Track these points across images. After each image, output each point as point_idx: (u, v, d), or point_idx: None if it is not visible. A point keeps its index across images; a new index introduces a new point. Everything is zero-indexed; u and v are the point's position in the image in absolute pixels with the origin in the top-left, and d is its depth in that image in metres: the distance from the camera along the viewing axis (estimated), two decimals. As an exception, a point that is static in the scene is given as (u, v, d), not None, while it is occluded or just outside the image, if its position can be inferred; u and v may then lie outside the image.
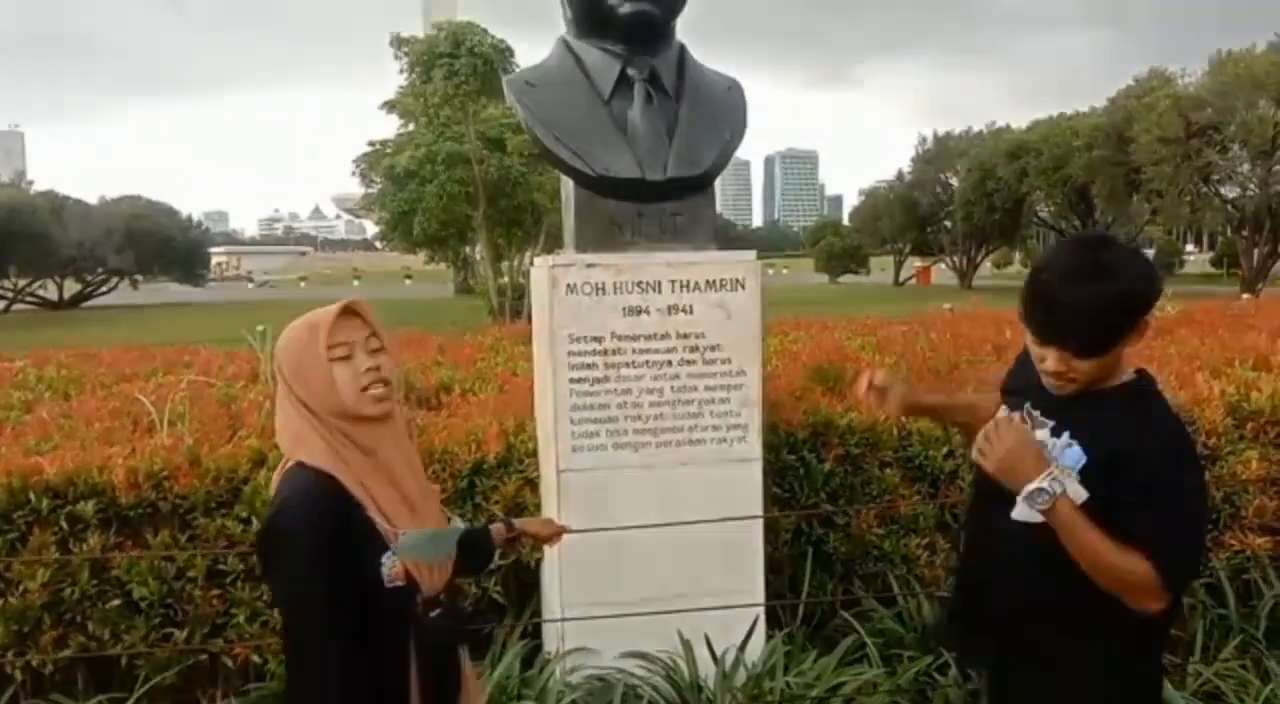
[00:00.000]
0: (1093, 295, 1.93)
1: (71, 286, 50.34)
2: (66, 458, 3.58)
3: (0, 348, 7.95)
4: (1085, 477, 2.02)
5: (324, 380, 1.90)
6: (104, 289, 51.51)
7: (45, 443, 3.92)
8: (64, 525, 3.48)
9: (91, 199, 53.74)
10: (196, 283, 56.11)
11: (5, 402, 5.12)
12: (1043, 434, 2.10)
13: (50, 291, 50.08)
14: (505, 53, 21.69)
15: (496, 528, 2.41)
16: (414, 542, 1.90)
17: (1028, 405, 2.15)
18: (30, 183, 54.95)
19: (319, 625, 1.80)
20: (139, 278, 52.96)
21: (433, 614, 1.96)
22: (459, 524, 2.08)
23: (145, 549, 3.51)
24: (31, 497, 3.46)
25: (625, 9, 3.38)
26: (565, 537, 2.81)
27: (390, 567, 1.87)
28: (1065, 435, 2.07)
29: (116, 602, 3.48)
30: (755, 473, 3.59)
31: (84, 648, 3.47)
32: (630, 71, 3.50)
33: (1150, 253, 48.93)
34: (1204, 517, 2.10)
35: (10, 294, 47.84)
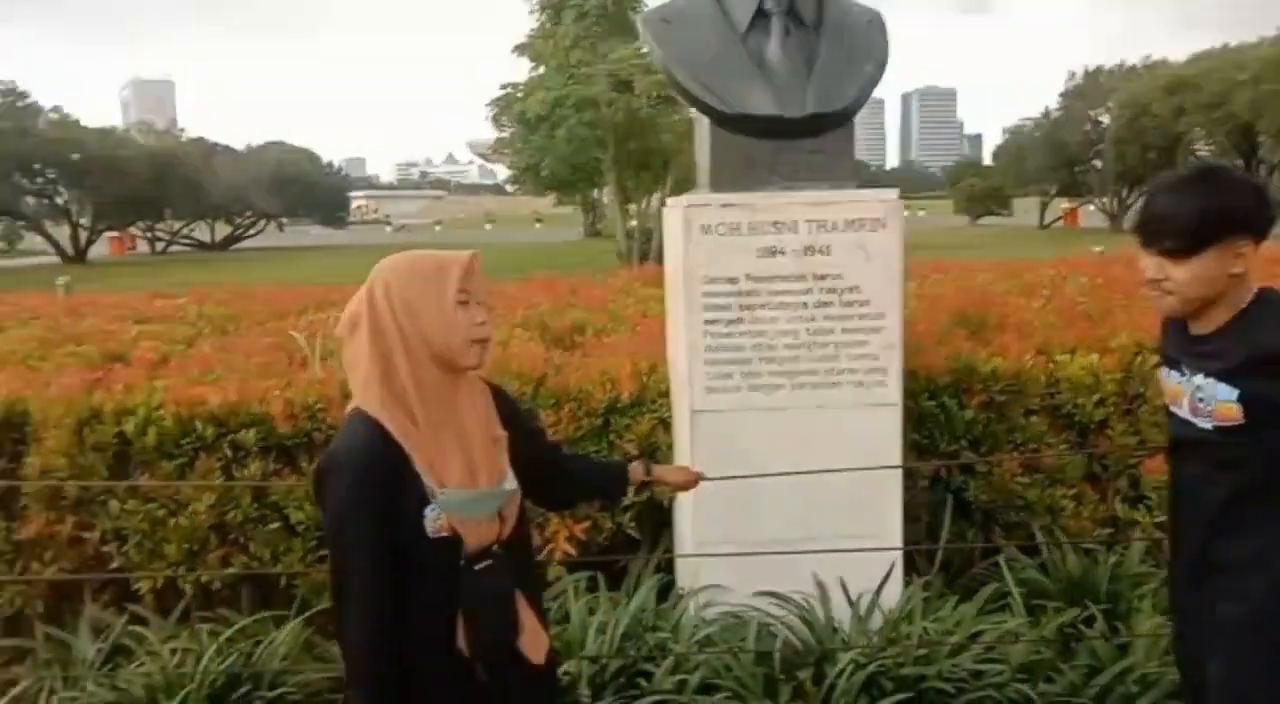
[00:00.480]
0: (1187, 199, 2.07)
1: (222, 229, 53.06)
2: (229, 389, 3.79)
3: (160, 287, 8.44)
4: (1245, 394, 2.05)
5: (443, 319, 1.92)
6: (252, 231, 54.08)
7: (208, 375, 4.16)
8: (227, 452, 3.70)
9: (238, 146, 56.23)
10: (337, 226, 58.35)
11: (169, 336, 5.45)
12: (1198, 379, 2.14)
13: (203, 234, 52.90)
14: (635, -8, 21.51)
15: (634, 467, 2.44)
16: (457, 500, 1.92)
17: None
18: (182, 131, 57.79)
19: (361, 570, 1.84)
20: (284, 221, 55.43)
21: (479, 566, 1.97)
22: (509, 487, 2.05)
23: (301, 476, 3.70)
24: (197, 425, 3.68)
25: (762, -60, 3.28)
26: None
27: (435, 519, 1.89)
28: (1211, 377, 2.12)
29: (276, 525, 3.70)
30: (894, 418, 3.52)
31: (246, 567, 3.70)
32: (767, 5, 3.40)
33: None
34: None
35: (167, 236, 50.74)
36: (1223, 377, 2.09)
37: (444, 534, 1.90)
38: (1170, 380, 2.25)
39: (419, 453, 1.89)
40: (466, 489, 1.94)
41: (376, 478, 1.84)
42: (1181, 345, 2.21)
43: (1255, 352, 2.04)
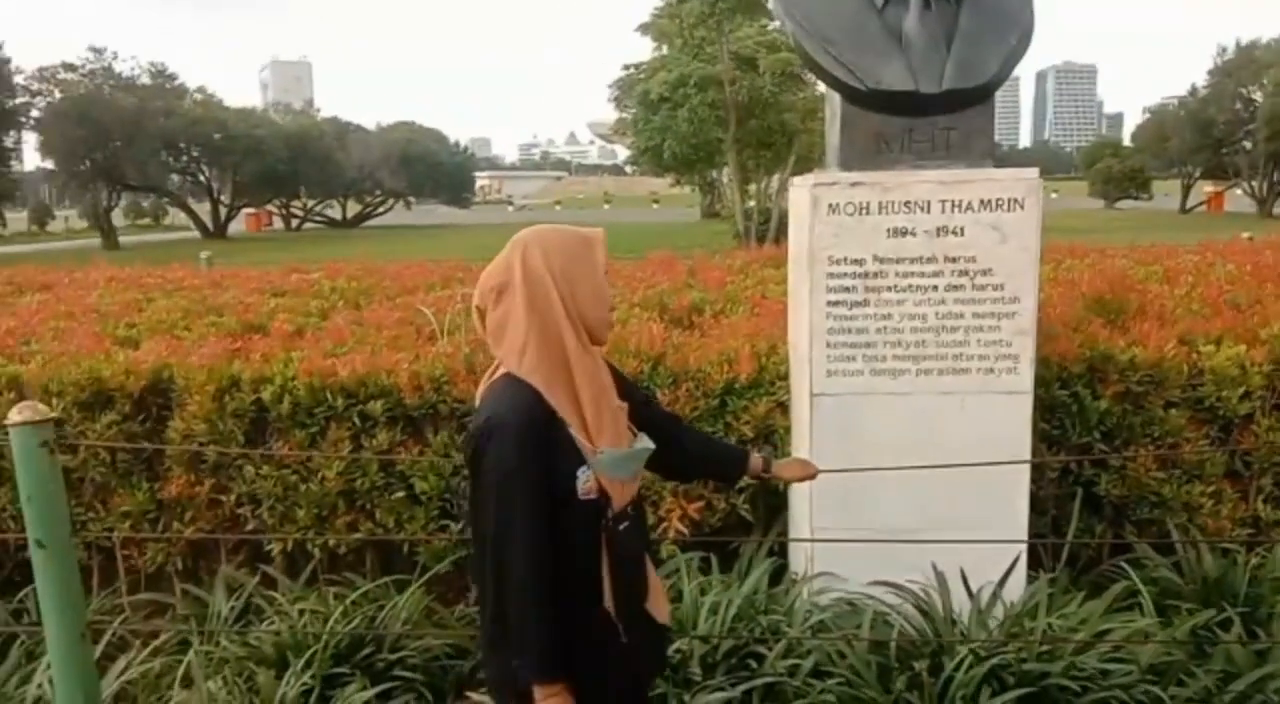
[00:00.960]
0: None
1: (353, 207, 54.87)
2: (358, 362, 3.92)
3: (295, 261, 8.77)
4: None
5: (597, 291, 1.99)
6: (381, 209, 55.75)
7: (340, 347, 4.30)
8: (356, 422, 3.83)
9: (370, 126, 57.97)
10: (463, 205, 59.61)
11: (304, 309, 5.67)
12: None
13: (335, 211, 54.81)
14: (762, -32, 21.22)
15: (755, 459, 2.43)
16: (610, 460, 1.97)
17: None
18: (317, 110, 59.88)
19: (522, 531, 1.88)
20: (412, 199, 56.93)
21: (621, 526, 2.03)
22: (649, 444, 2.11)
23: (426, 447, 3.80)
24: (328, 395, 3.82)
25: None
26: (817, 462, 2.78)
27: (585, 480, 1.95)
28: None
29: (400, 494, 3.82)
30: (1025, 406, 3.39)
31: (371, 533, 3.83)
32: (908, -25, 3.30)
33: None
34: None
35: (301, 213, 52.74)
36: None
37: (593, 496, 1.97)
38: None
39: (573, 417, 1.95)
40: (620, 448, 2.02)
41: (538, 440, 1.90)
42: None
43: None
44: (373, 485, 3.82)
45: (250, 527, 3.92)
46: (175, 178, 47.76)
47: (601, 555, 2.00)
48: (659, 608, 2.18)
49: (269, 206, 53.13)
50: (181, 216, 49.55)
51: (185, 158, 46.06)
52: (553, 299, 1.94)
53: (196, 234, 45.05)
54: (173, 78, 45.29)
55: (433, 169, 53.68)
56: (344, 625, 3.40)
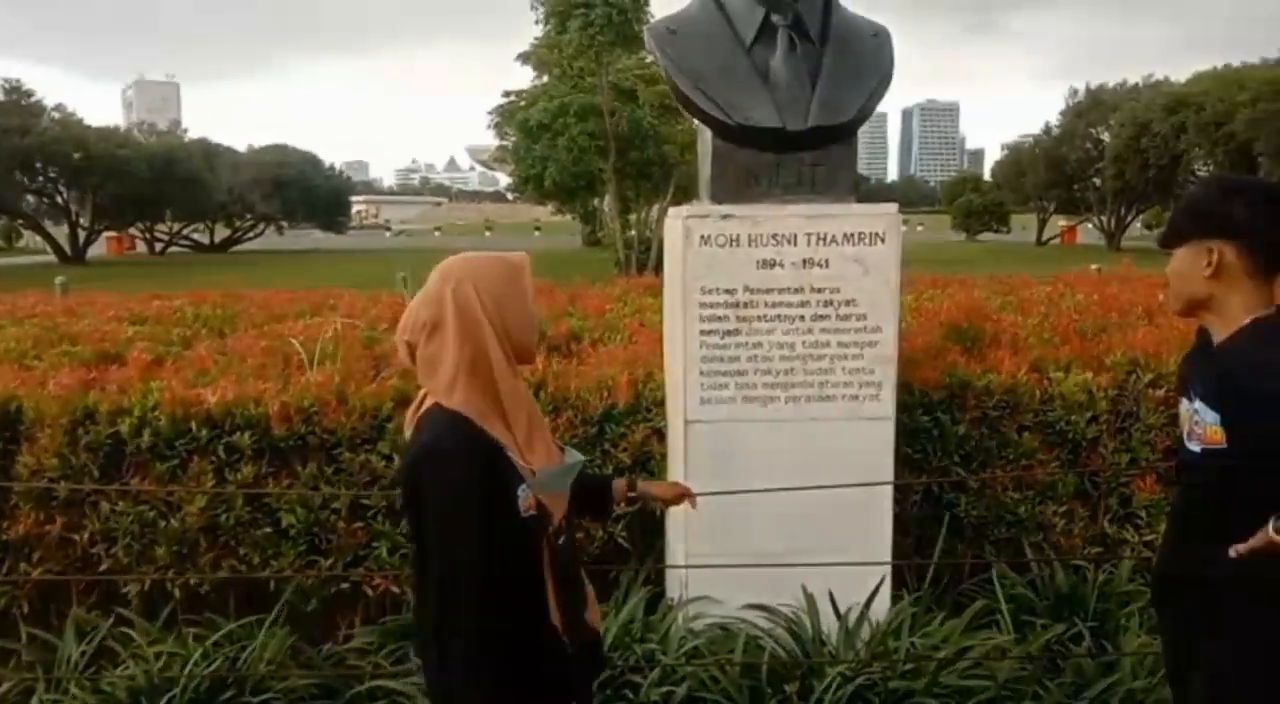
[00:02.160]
0: (1181, 199, 2.30)
1: (221, 231, 53.03)
2: (224, 391, 3.79)
3: (159, 287, 8.45)
4: (1227, 417, 2.08)
5: (526, 316, 2.04)
6: (251, 234, 54.06)
7: (203, 377, 4.15)
8: (221, 455, 3.69)
9: (240, 147, 56.25)
10: (338, 230, 58.27)
11: (166, 337, 5.44)
12: (1195, 404, 2.17)
13: (202, 235, 52.88)
14: (640, 2, 21.56)
15: (619, 484, 2.46)
16: (547, 476, 2.02)
17: None
18: (185, 131, 57.82)
19: (471, 553, 1.89)
20: (284, 224, 55.33)
21: (561, 540, 2.09)
22: (579, 456, 2.18)
23: (294, 479, 3.70)
24: (192, 427, 3.68)
25: (769, -47, 3.29)
26: (691, 488, 2.81)
27: (524, 498, 1.97)
28: (1199, 399, 2.15)
29: (267, 529, 3.69)
30: (887, 432, 3.52)
31: (236, 571, 3.69)
32: (774, 18, 3.42)
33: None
34: None
35: (166, 237, 50.71)
36: (1203, 397, 2.13)
37: (533, 512, 1.99)
38: (1181, 407, 2.29)
39: (508, 440, 1.98)
40: (555, 465, 2.07)
41: (477, 462, 1.92)
42: (1199, 361, 2.24)
43: (1223, 375, 2.08)
44: (238, 521, 3.68)
45: (105, 566, 3.73)
46: (30, 199, 45.28)
47: (545, 571, 2.04)
48: (593, 617, 2.25)
49: (132, 230, 50.90)
50: (38, 240, 46.96)
51: (41, 178, 43.76)
52: (485, 331, 1.97)
53: (53, 258, 42.78)
54: (29, 94, 43.07)
55: (306, 193, 52.37)
56: (204, 668, 3.27)
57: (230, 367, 4.36)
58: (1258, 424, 2.02)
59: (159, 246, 51.35)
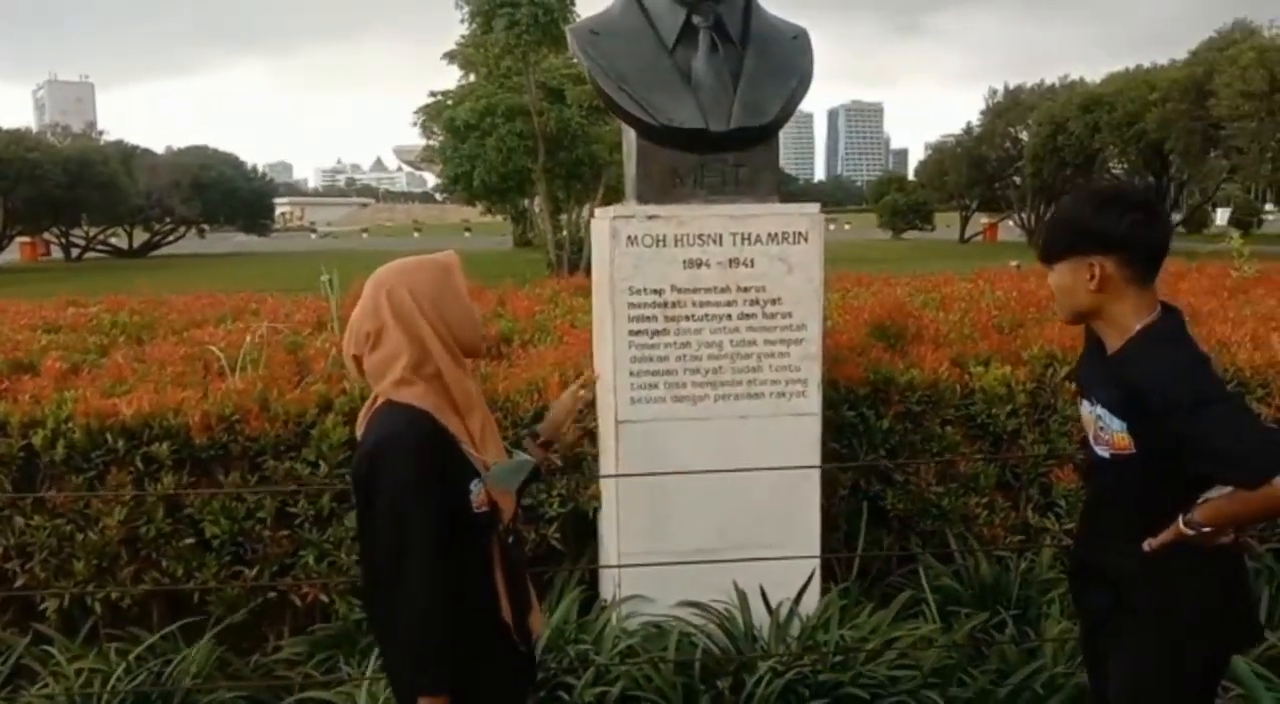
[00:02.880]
0: (1054, 214, 2.31)
1: (141, 235, 51.52)
2: (142, 400, 3.70)
3: (74, 294, 8.17)
4: (1131, 425, 2.15)
5: (465, 312, 2.09)
6: (172, 238, 52.66)
7: (120, 386, 4.04)
8: (139, 465, 3.60)
9: (159, 150, 54.79)
10: (261, 233, 57.05)
11: (81, 345, 5.28)
12: (1098, 410, 2.25)
13: (121, 240, 51.34)
14: (566, 2, 21.47)
15: (531, 449, 2.44)
16: (500, 472, 2.07)
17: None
18: (101, 133, 56.08)
19: (422, 546, 1.92)
20: (205, 227, 54.00)
21: (511, 538, 2.14)
22: (528, 456, 2.25)
23: (217, 489, 3.62)
24: (109, 437, 3.58)
25: (691, -47, 3.32)
26: (622, 489, 2.84)
27: (477, 493, 2.02)
28: (1102, 405, 2.22)
29: (190, 540, 3.62)
30: (814, 427, 3.58)
31: (158, 583, 3.60)
32: (695, 19, 3.44)
33: (1224, 212, 47.26)
34: (1246, 414, 2.16)
35: (82, 242, 49.13)
36: (1105, 405, 2.20)
37: (484, 509, 2.04)
38: (1083, 410, 2.36)
39: (462, 433, 2.03)
40: (507, 461, 2.12)
41: (430, 457, 1.95)
42: (1094, 366, 2.30)
43: (1123, 385, 2.14)
44: (159, 532, 3.60)
45: (20, 582, 3.61)
46: (-65, 204, 43.53)
47: (495, 568, 2.07)
48: (536, 621, 2.27)
49: (46, 235, 49.20)
50: (-56, 247, 45.16)
51: (-54, 182, 42.11)
52: (425, 330, 2.02)
53: (-40, 265, 41.15)
54: (-71, 95, 41.35)
55: (228, 195, 51.13)
56: (128, 683, 3.19)
57: (149, 375, 4.25)
58: (1162, 431, 2.09)
59: (75, 252, 49.76)
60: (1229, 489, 2.07)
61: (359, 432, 2.10)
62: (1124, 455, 2.18)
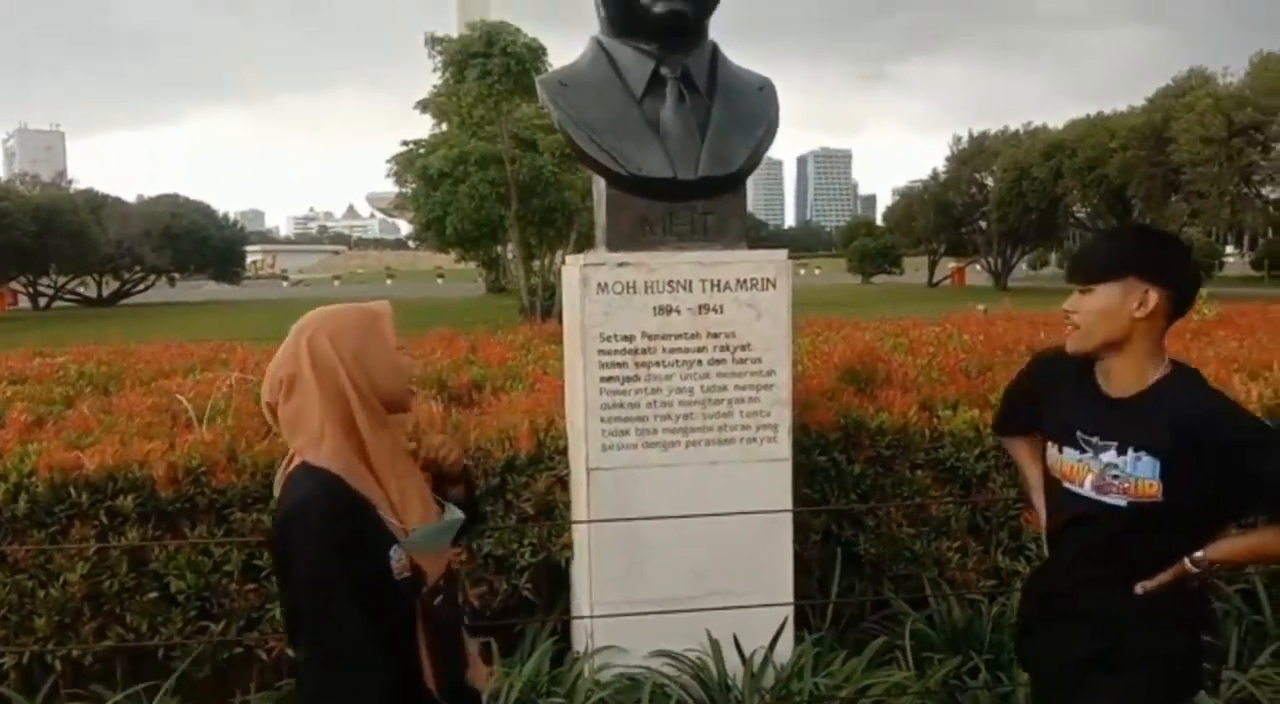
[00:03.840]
0: (1105, 239, 2.44)
1: (110, 284, 51.13)
2: (107, 453, 3.65)
3: (41, 344, 8.09)
4: (1169, 468, 2.12)
5: (391, 365, 1.99)
6: (141, 287, 52.28)
7: (86, 437, 3.98)
8: (103, 519, 3.54)
9: (130, 198, 54.57)
10: (232, 281, 56.80)
11: (47, 397, 5.21)
12: (1108, 456, 2.20)
13: (90, 289, 50.90)
14: (538, 52, 21.75)
15: (454, 492, 2.22)
16: (421, 537, 1.96)
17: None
18: (70, 182, 55.84)
19: (338, 615, 1.85)
20: (176, 275, 53.65)
21: (436, 601, 2.03)
22: (458, 514, 2.11)
23: (182, 542, 3.56)
24: (72, 491, 3.52)
25: (658, 8, 3.38)
26: (594, 537, 2.80)
27: (398, 560, 1.93)
28: (1130, 450, 2.16)
29: (154, 594, 3.55)
30: (785, 473, 3.59)
31: (122, 640, 3.53)
32: (663, 70, 3.50)
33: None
34: None
35: (51, 291, 48.66)
36: (1147, 448, 2.14)
37: (406, 574, 1.94)
38: (1066, 458, 2.29)
39: (378, 498, 1.92)
40: (429, 525, 2.00)
41: (345, 525, 1.86)
42: (1092, 410, 2.25)
43: (1177, 421, 2.11)
44: (122, 586, 3.53)
45: (-23, 641, 3.53)
46: (-99, 254, 42.97)
47: (419, 633, 1.98)
48: (478, 676, 2.19)
49: (14, 284, 48.71)
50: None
51: (-88, 232, 41.64)
52: (344, 382, 1.92)
53: (-75, 315, 40.60)
54: (-104, 144, 41.12)
55: (199, 244, 50.92)
56: (87, 744, 3.10)
57: (115, 426, 4.19)
58: (1205, 471, 2.09)
59: (43, 301, 49.26)
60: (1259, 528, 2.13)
61: (275, 492, 2.00)
62: (1145, 503, 2.14)
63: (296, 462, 1.95)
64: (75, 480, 3.54)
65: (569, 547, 3.78)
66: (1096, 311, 2.20)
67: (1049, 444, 2.37)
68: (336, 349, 1.93)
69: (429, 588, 2.00)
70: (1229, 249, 66.52)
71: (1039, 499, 2.52)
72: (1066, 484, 2.30)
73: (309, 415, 1.92)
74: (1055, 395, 2.36)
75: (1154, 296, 2.15)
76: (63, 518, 3.53)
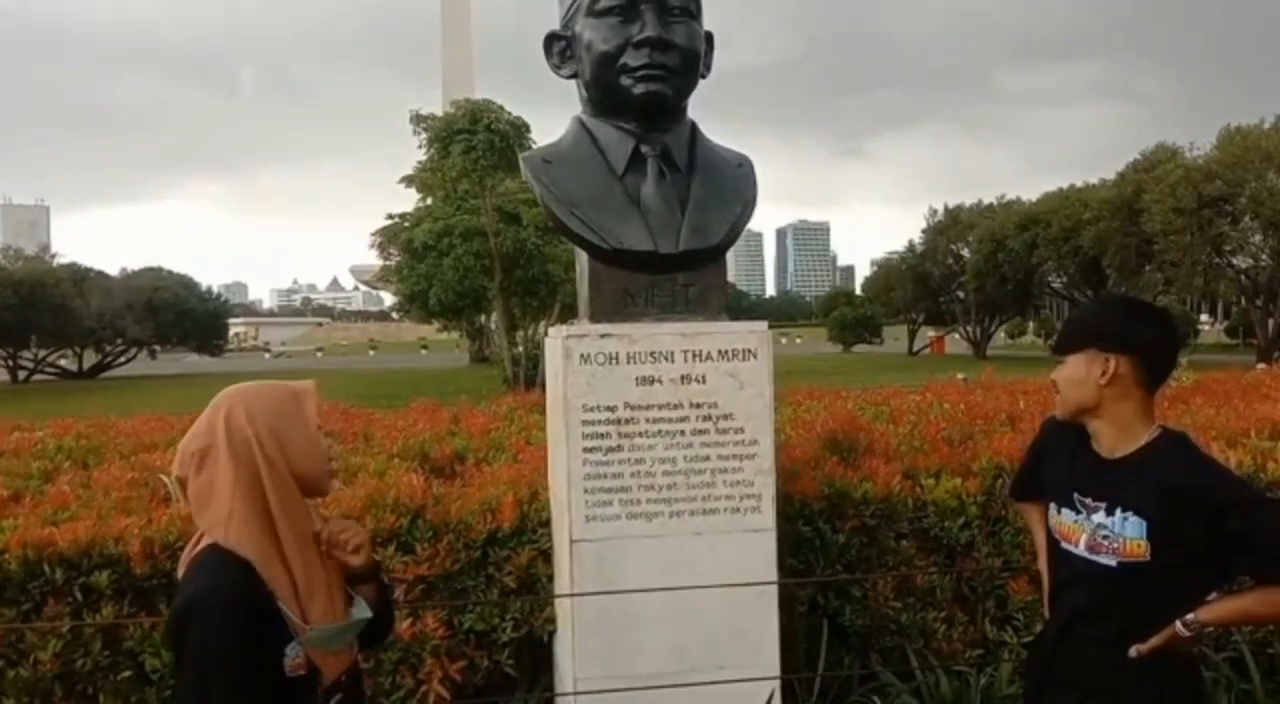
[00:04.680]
0: (1075, 310, 2.30)
1: (91, 357, 50.81)
2: (82, 529, 3.60)
3: (20, 418, 8.02)
4: (1156, 529, 2.17)
5: (310, 445, 1.94)
6: (123, 359, 52.00)
7: (63, 512, 3.93)
8: (78, 596, 3.48)
9: (114, 272, 54.59)
10: (214, 353, 56.59)
11: (25, 471, 5.15)
12: (1098, 517, 2.26)
13: (70, 362, 50.57)
14: (521, 129, 22.14)
15: (364, 592, 2.10)
16: (320, 635, 1.89)
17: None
18: (54, 256, 55.88)
19: None
20: (157, 348, 53.39)
21: (333, 701, 1.95)
22: (364, 612, 2.02)
23: (159, 620, 3.50)
24: (45, 568, 3.47)
25: (639, 90, 3.47)
26: (577, 610, 2.75)
27: (294, 656, 1.86)
28: (1118, 511, 2.22)
29: (128, 673, 3.47)
30: (769, 543, 3.57)
31: (94, 721, 3.44)
32: (643, 148, 3.58)
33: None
34: None
35: (31, 364, 48.32)
36: (1134, 509, 2.20)
37: (301, 672, 1.86)
38: (1064, 519, 2.36)
39: (284, 586, 1.85)
40: (331, 623, 1.91)
41: (243, 621, 1.79)
42: (1087, 472, 2.33)
43: (1162, 484, 2.18)
44: (96, 665, 3.45)
45: (-57, 725, 3.43)
46: (-121, 327, 42.67)
47: None
48: None
49: (-7, 358, 48.39)
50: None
51: (-106, 304, 41.39)
52: (258, 460, 1.87)
53: (-99, 389, 40.13)
54: (-121, 219, 41.12)
55: (182, 316, 50.84)
56: None
57: (93, 501, 4.14)
58: (1193, 532, 2.13)
59: (23, 374, 48.89)
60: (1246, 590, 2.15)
61: (179, 573, 1.94)
62: (1134, 563, 2.20)
63: (205, 542, 1.89)
64: (49, 557, 3.48)
65: (552, 621, 3.74)
66: (1066, 380, 2.36)
67: (1050, 505, 2.45)
68: (253, 425, 1.88)
69: (326, 687, 1.92)
70: (1204, 317, 67.41)
71: (1043, 563, 2.57)
72: (1064, 544, 2.37)
73: (220, 492, 1.86)
74: (1057, 458, 2.45)
75: (1115, 363, 2.26)
76: (36, 595, 3.47)
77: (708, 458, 3.52)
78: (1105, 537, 2.24)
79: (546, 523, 3.85)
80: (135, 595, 3.54)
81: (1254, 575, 2.18)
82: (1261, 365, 15.15)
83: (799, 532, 4.00)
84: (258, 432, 1.88)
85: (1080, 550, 2.30)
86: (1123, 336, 2.28)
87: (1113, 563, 2.23)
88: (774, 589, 3.57)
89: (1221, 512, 2.12)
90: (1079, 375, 2.31)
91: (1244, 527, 2.11)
